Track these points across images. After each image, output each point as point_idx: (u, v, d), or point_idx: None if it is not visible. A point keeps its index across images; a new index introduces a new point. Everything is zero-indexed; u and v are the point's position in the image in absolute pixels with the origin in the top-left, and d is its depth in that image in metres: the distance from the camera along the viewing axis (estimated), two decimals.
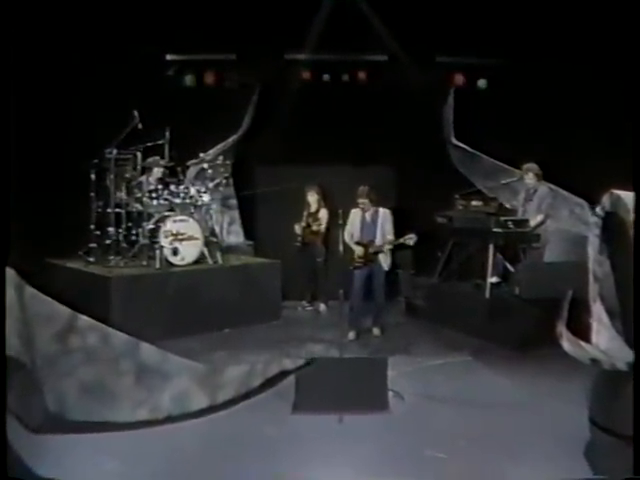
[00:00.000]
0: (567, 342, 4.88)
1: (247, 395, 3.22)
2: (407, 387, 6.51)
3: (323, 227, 9.81)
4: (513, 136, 9.91)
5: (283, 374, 3.25)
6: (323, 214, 9.83)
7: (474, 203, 8.93)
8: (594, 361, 4.88)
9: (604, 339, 5.22)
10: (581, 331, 5.21)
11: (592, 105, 9.19)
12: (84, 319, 3.36)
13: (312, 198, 9.86)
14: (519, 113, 10.07)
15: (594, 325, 5.38)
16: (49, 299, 3.67)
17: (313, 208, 9.90)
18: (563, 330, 4.92)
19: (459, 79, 10.67)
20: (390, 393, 6.16)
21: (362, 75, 10.69)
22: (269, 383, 3.22)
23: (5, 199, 3.65)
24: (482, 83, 10.71)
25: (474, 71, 10.64)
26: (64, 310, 3.45)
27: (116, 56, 9.63)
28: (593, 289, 5.53)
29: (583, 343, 4.90)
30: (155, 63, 10.20)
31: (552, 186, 9.13)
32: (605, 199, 5.60)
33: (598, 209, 5.71)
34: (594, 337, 5.29)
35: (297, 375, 5.99)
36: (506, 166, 9.88)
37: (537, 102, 9.93)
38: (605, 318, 5.36)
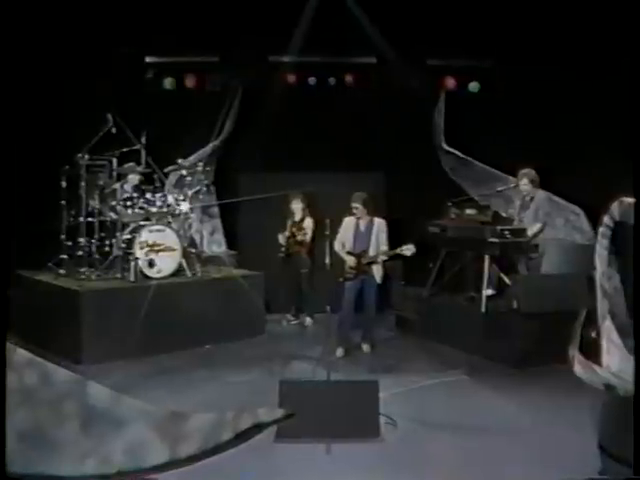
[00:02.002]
0: (579, 366, 4.46)
1: (215, 450, 2.71)
2: (399, 411, 6.09)
3: (308, 237, 9.43)
4: (506, 141, 9.66)
5: (257, 427, 2.74)
6: (308, 223, 9.45)
7: (468, 212, 8.55)
8: (609, 387, 4.47)
9: (615, 360, 4.86)
10: (589, 352, 4.84)
11: (588, 108, 8.91)
12: (21, 353, 2.85)
13: (296, 206, 9.49)
14: (512, 117, 9.82)
15: (604, 344, 5.00)
16: None
17: (298, 217, 9.54)
18: (575, 353, 4.49)
19: (450, 82, 10.40)
20: (382, 419, 5.68)
21: (349, 78, 10.44)
22: (241, 437, 2.72)
23: None
24: (474, 86, 10.44)
25: (465, 74, 10.40)
26: None
27: (92, 57, 9.28)
28: (602, 305, 5.15)
29: (597, 367, 4.47)
30: (133, 65, 9.85)
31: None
32: (614, 207, 5.27)
33: (606, 218, 5.34)
34: (604, 358, 4.92)
35: (280, 398, 5.54)
36: (499, 172, 9.63)
37: (531, 106, 9.65)
38: (616, 337, 5.00)
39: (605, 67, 8.56)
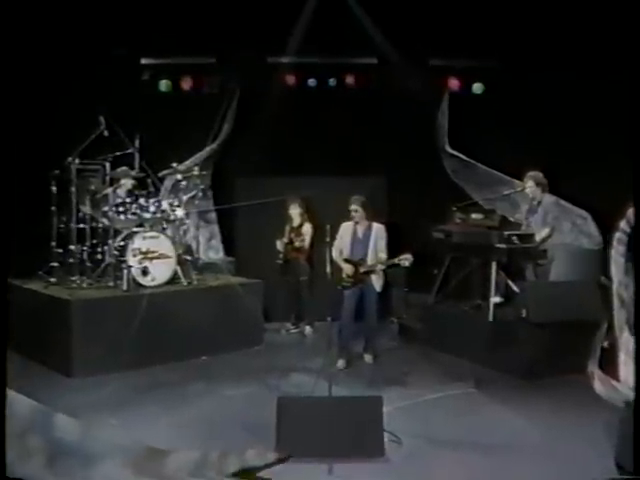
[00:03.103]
0: (599, 383, 4.18)
1: None
2: (404, 426, 5.79)
3: (307, 243, 9.18)
4: (511, 144, 9.45)
5: (246, 473, 2.43)
6: (307, 229, 9.20)
7: (474, 216, 8.28)
8: (629, 404, 4.19)
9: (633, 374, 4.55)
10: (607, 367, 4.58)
11: (594, 110, 8.69)
12: None
13: (294, 212, 9.25)
14: (517, 119, 9.62)
15: (621, 357, 4.74)
16: None
17: (296, 222, 9.30)
18: (595, 370, 4.21)
19: (454, 83, 10.21)
20: (386, 436, 5.37)
21: (350, 79, 10.26)
22: None
23: None
24: (478, 87, 10.22)
25: (470, 75, 10.19)
26: None
27: (86, 58, 9.11)
28: (619, 316, 4.88)
29: (617, 384, 4.19)
30: (128, 67, 9.66)
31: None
32: (631, 212, 4.96)
33: (623, 223, 5.08)
34: (622, 371, 4.65)
35: (278, 415, 5.25)
36: (504, 176, 9.44)
37: (536, 107, 9.44)
38: (634, 349, 4.70)
39: (612, 67, 8.30)
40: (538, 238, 7.94)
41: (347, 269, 7.67)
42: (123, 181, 8.56)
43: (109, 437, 2.48)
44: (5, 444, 2.59)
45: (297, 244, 9.12)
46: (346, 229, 7.79)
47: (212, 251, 10.22)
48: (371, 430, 5.24)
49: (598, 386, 4.21)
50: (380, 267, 7.64)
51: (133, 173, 8.64)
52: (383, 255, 7.65)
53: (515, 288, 7.92)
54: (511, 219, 8.20)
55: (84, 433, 2.47)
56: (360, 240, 7.75)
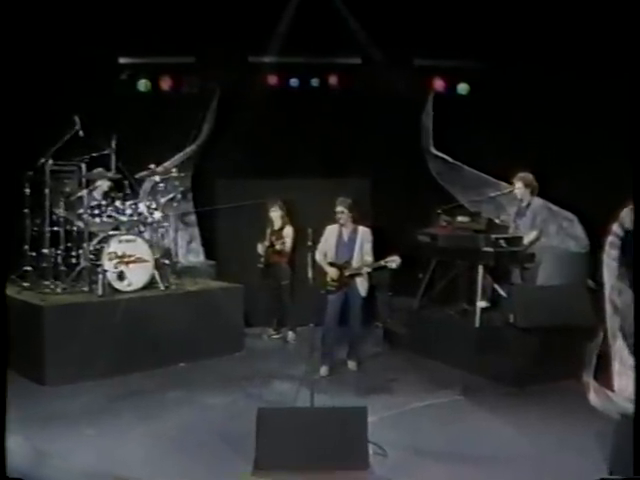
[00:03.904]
0: (594, 395, 3.99)
1: None
2: (389, 437, 5.60)
3: (288, 246, 8.97)
4: (497, 146, 9.32)
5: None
6: (288, 232, 9.01)
7: (460, 219, 8.10)
8: (625, 416, 4.02)
9: (628, 383, 4.40)
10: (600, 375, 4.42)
11: (582, 110, 8.54)
12: None
13: (275, 214, 9.07)
14: (503, 120, 9.44)
15: (615, 366, 4.57)
16: None
17: (277, 225, 9.10)
18: (590, 381, 4.03)
19: (438, 83, 10.02)
20: (371, 447, 5.15)
21: (333, 79, 10.08)
22: None
23: None
24: (463, 88, 10.03)
25: (455, 75, 10.00)
26: None
27: (62, 56, 8.88)
28: (612, 323, 4.75)
29: (612, 394, 4.01)
30: (106, 66, 9.40)
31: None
32: (625, 215, 4.85)
33: (615, 226, 4.93)
34: (616, 381, 4.49)
35: (258, 427, 5.02)
36: (490, 178, 9.27)
37: (523, 108, 9.27)
38: (628, 357, 4.56)
39: (601, 67, 8.18)
40: (526, 241, 7.78)
41: (332, 272, 7.47)
42: (99, 183, 8.35)
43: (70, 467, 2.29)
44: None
45: (278, 247, 8.92)
46: (331, 232, 7.59)
47: (192, 254, 10.04)
48: (355, 442, 5.01)
49: (593, 397, 4.03)
50: (366, 269, 7.45)
51: (109, 174, 8.41)
52: (369, 258, 7.46)
53: (502, 292, 7.75)
54: (497, 221, 8.02)
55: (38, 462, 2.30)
56: (345, 243, 7.55)
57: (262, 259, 9.02)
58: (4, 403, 2.83)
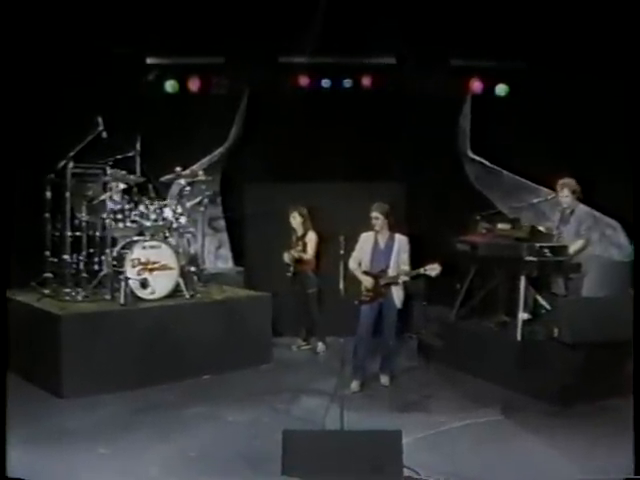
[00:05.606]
0: None
1: None
2: (425, 460, 5.21)
3: (310, 253, 8.66)
4: (537, 149, 9.12)
5: None
6: (310, 238, 8.72)
7: (501, 226, 7.72)
8: None
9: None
10: None
11: (624, 111, 8.09)
12: None
13: (295, 221, 8.81)
14: (543, 123, 9.28)
15: None
16: None
17: (299, 232, 8.81)
18: None
19: (476, 85, 9.83)
20: (405, 472, 4.77)
21: (367, 80, 9.92)
22: None
23: None
24: (502, 89, 9.82)
25: (493, 76, 9.79)
26: None
27: (88, 56, 8.75)
28: None
29: None
30: (133, 66, 9.27)
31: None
32: None
33: None
34: None
35: (284, 451, 4.67)
36: (530, 183, 9.01)
37: (563, 110, 9.05)
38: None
39: None
40: (571, 250, 7.36)
41: (366, 282, 7.10)
42: (113, 184, 8.08)
43: None
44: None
45: (297, 254, 8.65)
46: (366, 239, 7.25)
47: (220, 261, 9.91)
48: (388, 467, 4.64)
49: None
50: (403, 278, 7.08)
51: (133, 178, 8.18)
52: (406, 268, 7.09)
53: (545, 304, 7.34)
54: (540, 229, 7.61)
55: None
56: (382, 251, 7.19)
57: (291, 268, 8.74)
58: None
